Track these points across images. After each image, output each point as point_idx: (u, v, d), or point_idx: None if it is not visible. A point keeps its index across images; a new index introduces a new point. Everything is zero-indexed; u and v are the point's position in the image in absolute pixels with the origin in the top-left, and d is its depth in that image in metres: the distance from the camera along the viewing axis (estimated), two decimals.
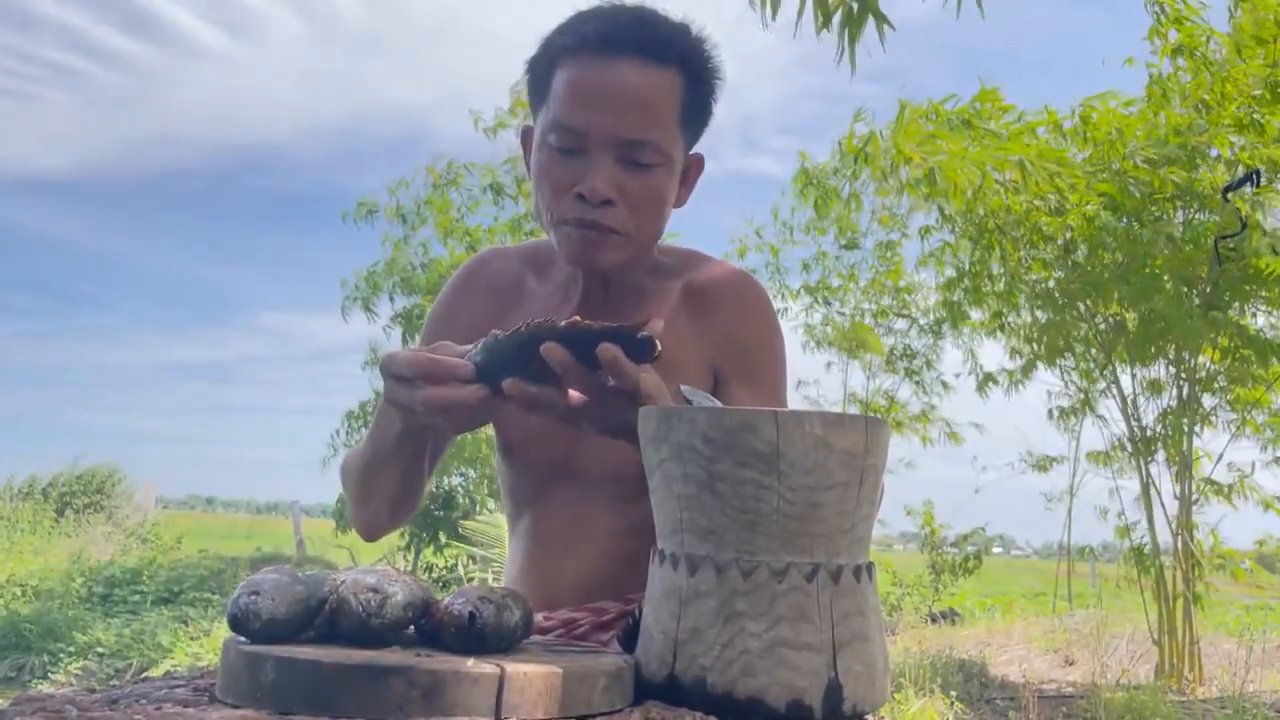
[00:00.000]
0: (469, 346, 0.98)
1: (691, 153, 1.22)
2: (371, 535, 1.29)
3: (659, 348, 0.91)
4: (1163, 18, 5.48)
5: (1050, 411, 7.52)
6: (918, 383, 8.57)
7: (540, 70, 1.17)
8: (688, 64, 1.15)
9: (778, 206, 8.20)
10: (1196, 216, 5.83)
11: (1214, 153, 5.59)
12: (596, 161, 1.11)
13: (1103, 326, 6.52)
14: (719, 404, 0.90)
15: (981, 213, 5.90)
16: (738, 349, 1.25)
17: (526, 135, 1.22)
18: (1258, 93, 5.38)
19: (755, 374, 1.25)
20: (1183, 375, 6.34)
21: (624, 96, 1.11)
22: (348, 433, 9.01)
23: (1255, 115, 5.31)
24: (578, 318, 0.91)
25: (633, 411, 0.88)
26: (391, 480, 1.16)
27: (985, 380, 7.62)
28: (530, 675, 0.71)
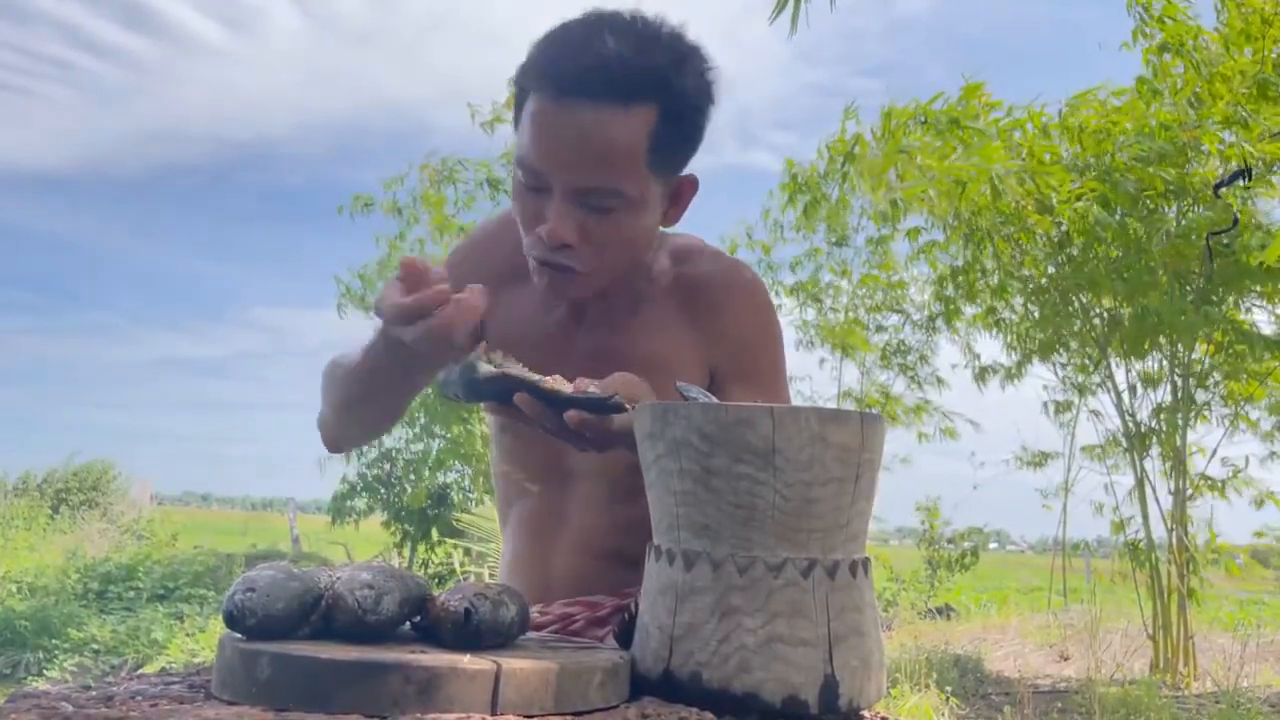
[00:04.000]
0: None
1: (683, 174, 1.18)
2: (339, 442, 1.32)
3: (629, 410, 0.94)
4: (1146, 18, 5.49)
5: (1045, 405, 7.53)
6: (912, 378, 8.56)
7: (520, 88, 1.14)
8: (664, 98, 1.08)
9: (768, 208, 8.18)
10: (1189, 212, 5.84)
11: (1204, 149, 5.60)
12: (557, 204, 1.09)
13: (1097, 321, 6.53)
14: (715, 400, 0.90)
15: (969, 214, 5.91)
16: (735, 346, 1.24)
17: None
18: (1245, 89, 5.38)
19: (754, 370, 1.24)
20: (1177, 370, 6.36)
21: (579, 146, 1.06)
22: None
23: (1242, 112, 5.31)
24: (554, 378, 0.97)
25: (606, 443, 0.94)
26: (376, 390, 1.17)
27: (983, 373, 7.62)
28: (526, 671, 0.71)
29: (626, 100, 1.06)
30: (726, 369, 1.23)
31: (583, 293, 1.17)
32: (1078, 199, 5.53)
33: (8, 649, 7.56)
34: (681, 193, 1.20)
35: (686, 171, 1.18)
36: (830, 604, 0.78)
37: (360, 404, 1.20)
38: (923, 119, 5.92)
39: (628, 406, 0.94)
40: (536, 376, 0.96)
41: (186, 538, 13.38)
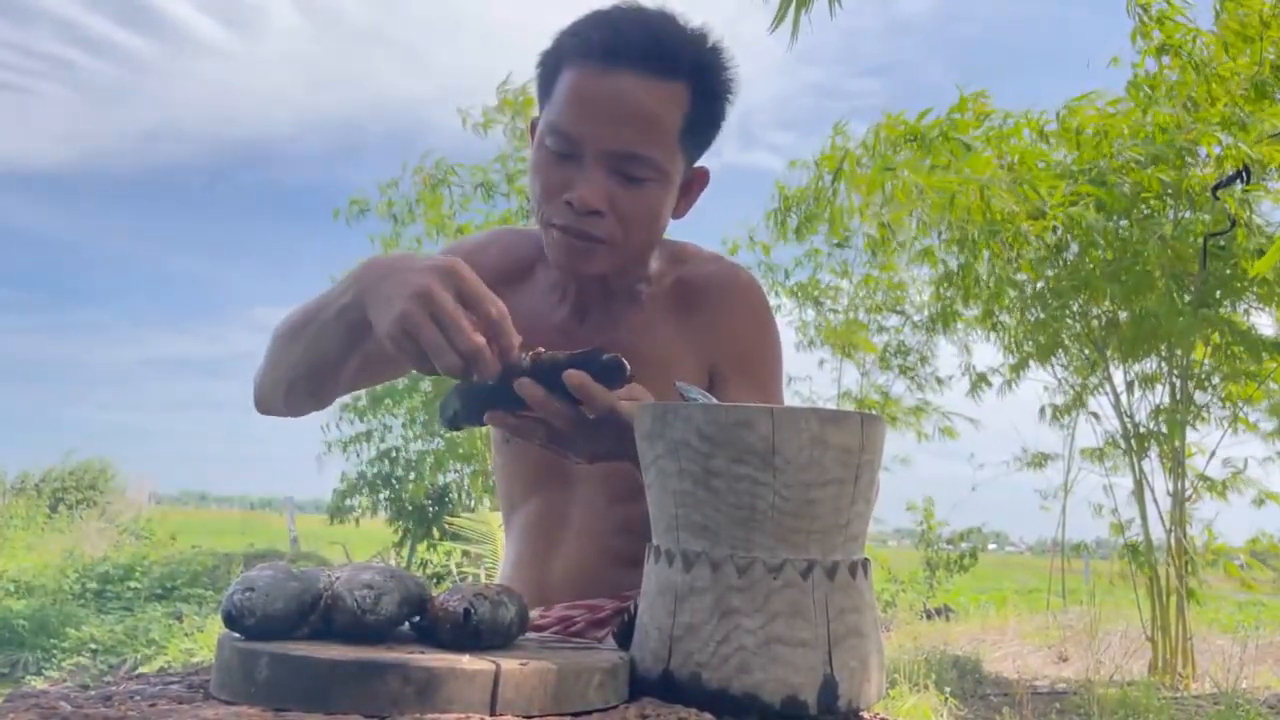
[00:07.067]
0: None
1: (696, 165, 1.21)
2: (267, 401, 1.22)
3: (628, 369, 0.92)
4: (1146, 19, 5.49)
5: (1043, 409, 7.53)
6: (912, 379, 8.56)
7: (548, 68, 1.16)
8: (697, 78, 1.13)
9: (770, 210, 8.18)
10: (1186, 214, 5.84)
11: (1202, 151, 5.59)
12: (588, 170, 1.10)
13: (1095, 324, 6.53)
14: (715, 400, 0.90)
15: (961, 222, 5.91)
16: (734, 346, 1.24)
17: (535, 127, 1.22)
18: (1244, 91, 5.38)
19: (752, 371, 1.25)
20: (1175, 372, 6.36)
21: (621, 109, 1.09)
22: (339, 424, 9.05)
23: (1241, 113, 5.31)
24: (541, 349, 0.93)
25: (614, 439, 0.90)
26: (315, 347, 1.09)
27: (979, 381, 7.62)
28: (525, 672, 0.71)
29: (667, 74, 1.10)
30: (725, 369, 1.24)
31: (600, 266, 1.16)
32: (1072, 203, 5.53)
33: (6, 648, 7.56)
34: (692, 185, 1.23)
35: (699, 164, 1.22)
36: (829, 605, 0.78)
37: (306, 329, 1.10)
38: (912, 138, 5.93)
39: (627, 365, 0.92)
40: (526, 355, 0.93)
41: (185, 537, 13.37)
